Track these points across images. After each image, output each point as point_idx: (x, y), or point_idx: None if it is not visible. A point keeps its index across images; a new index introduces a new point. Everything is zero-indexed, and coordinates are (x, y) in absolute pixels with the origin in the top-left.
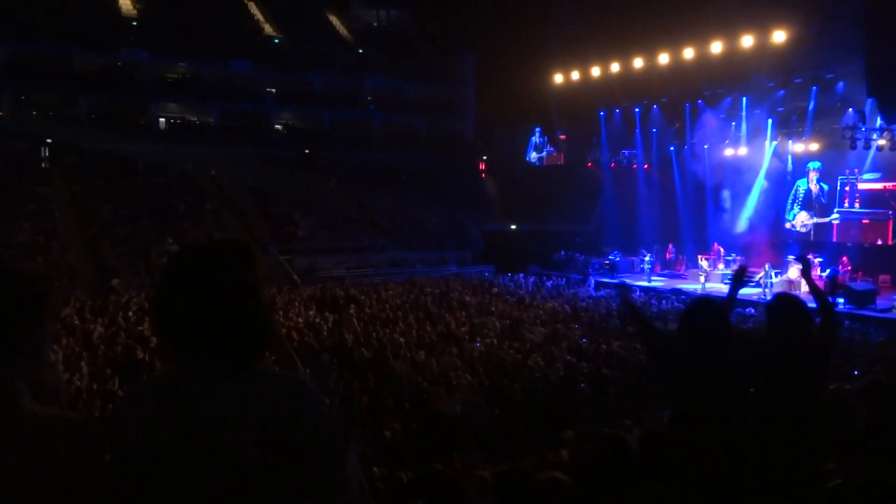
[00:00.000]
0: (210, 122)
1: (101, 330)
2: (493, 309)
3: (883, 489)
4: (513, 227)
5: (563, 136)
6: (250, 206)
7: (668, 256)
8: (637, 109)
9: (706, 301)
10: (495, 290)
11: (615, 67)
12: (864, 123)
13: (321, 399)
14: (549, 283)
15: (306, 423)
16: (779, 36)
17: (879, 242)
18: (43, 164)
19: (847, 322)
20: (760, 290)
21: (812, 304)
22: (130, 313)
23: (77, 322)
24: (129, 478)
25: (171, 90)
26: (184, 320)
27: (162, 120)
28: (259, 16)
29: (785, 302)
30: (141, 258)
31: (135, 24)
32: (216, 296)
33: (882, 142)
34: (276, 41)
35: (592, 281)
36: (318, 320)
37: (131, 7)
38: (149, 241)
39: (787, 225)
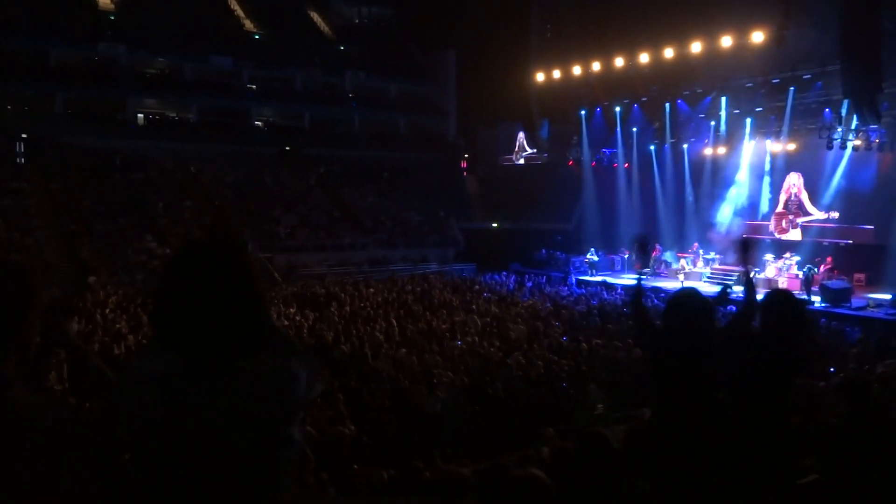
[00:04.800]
0: (189, 118)
1: (78, 327)
2: (474, 307)
3: (857, 484)
4: (494, 225)
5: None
6: (230, 203)
7: (654, 254)
8: (618, 108)
9: (690, 293)
10: (476, 288)
11: (596, 66)
12: (840, 124)
13: (308, 389)
14: (529, 282)
15: (294, 408)
16: (757, 36)
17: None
18: (18, 160)
19: (823, 320)
20: (742, 288)
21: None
22: (108, 311)
23: None
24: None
25: (150, 85)
26: (186, 317)
27: (140, 115)
28: (239, 11)
29: (781, 298)
30: (119, 255)
31: (112, 17)
32: (219, 292)
33: (857, 142)
34: (257, 37)
35: (573, 279)
36: (298, 318)
37: (109, 0)
38: (127, 238)
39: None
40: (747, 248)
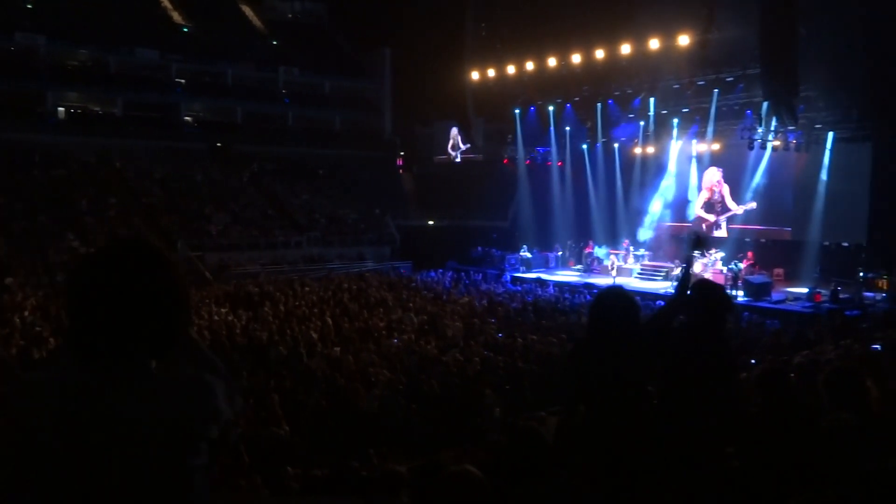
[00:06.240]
0: (114, 113)
1: None
2: (410, 304)
3: (775, 469)
4: (430, 222)
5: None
6: (158, 201)
7: (587, 251)
8: (551, 108)
9: (615, 291)
10: (413, 285)
11: (530, 66)
12: (760, 125)
13: (223, 399)
14: (465, 280)
15: (206, 421)
16: (683, 40)
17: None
18: None
19: (746, 314)
20: (669, 283)
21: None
22: (26, 313)
23: None
24: (18, 477)
25: (72, 77)
26: (88, 323)
27: (61, 109)
28: (166, 2)
29: (705, 288)
30: (38, 255)
31: (30, 6)
32: (118, 300)
33: (776, 143)
34: (186, 29)
35: (508, 276)
36: (231, 318)
37: None
38: (47, 237)
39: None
40: (700, 243)
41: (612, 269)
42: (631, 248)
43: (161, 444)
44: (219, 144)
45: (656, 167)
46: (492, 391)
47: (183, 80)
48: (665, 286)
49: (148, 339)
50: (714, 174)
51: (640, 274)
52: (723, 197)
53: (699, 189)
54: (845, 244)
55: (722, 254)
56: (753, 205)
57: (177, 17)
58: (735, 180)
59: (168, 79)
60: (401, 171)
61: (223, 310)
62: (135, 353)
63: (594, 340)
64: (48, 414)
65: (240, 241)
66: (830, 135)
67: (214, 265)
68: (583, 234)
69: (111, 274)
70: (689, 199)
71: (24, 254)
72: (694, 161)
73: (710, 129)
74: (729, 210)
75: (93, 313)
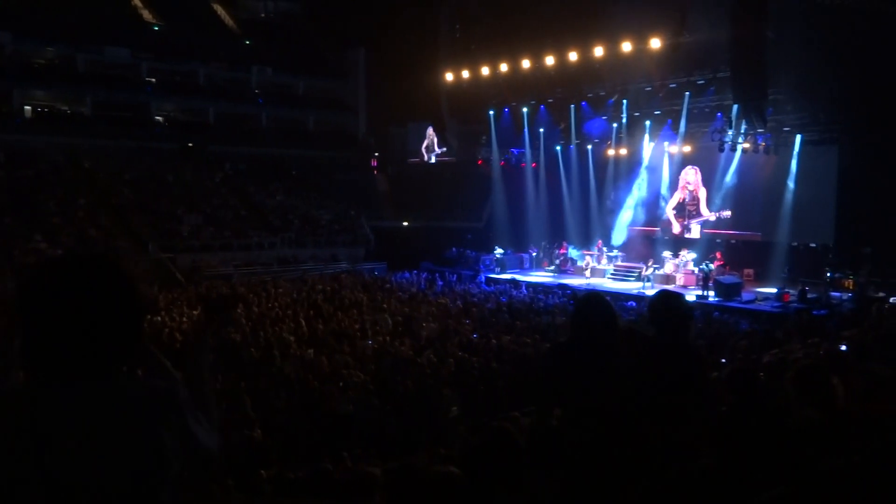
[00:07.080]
0: (83, 112)
1: None
2: (385, 306)
3: (746, 467)
4: (405, 223)
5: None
6: (129, 202)
7: (561, 252)
8: (525, 109)
9: (596, 297)
10: (388, 286)
11: (504, 67)
12: (731, 128)
13: (188, 406)
14: (440, 281)
15: (173, 431)
16: (654, 43)
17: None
18: None
19: (717, 313)
20: (641, 284)
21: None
22: None
23: None
24: None
25: (39, 76)
26: (39, 337)
27: (28, 108)
28: (136, 0)
29: (666, 298)
30: (4, 257)
31: None
32: (71, 314)
33: (746, 145)
34: (156, 28)
35: (483, 277)
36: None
37: None
38: (13, 238)
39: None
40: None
41: (587, 269)
42: (604, 249)
43: (123, 455)
44: (191, 145)
45: (629, 168)
46: (450, 390)
47: (154, 80)
48: (637, 286)
49: (102, 350)
50: (691, 174)
51: (613, 274)
52: (697, 200)
53: (673, 187)
54: (813, 245)
55: (693, 255)
56: (728, 213)
57: (147, 15)
58: (706, 182)
59: (138, 78)
60: (375, 171)
61: (195, 312)
62: (91, 364)
63: (576, 344)
64: (9, 430)
65: (212, 242)
66: (798, 137)
67: (186, 267)
68: (557, 235)
69: (61, 287)
70: (662, 195)
71: None
72: (666, 157)
73: (681, 130)
74: (701, 215)
75: (44, 326)
